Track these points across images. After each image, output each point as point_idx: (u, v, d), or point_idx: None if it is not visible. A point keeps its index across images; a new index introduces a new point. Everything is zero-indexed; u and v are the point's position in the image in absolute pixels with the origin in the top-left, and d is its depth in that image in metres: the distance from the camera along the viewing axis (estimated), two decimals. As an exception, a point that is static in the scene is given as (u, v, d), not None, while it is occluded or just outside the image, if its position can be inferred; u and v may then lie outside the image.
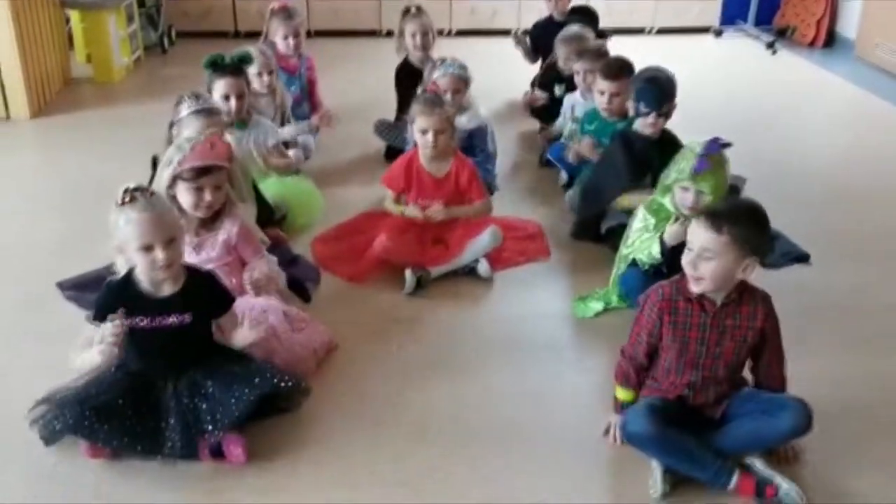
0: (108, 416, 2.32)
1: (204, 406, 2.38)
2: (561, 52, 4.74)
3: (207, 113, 3.28)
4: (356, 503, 2.31)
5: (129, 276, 2.43)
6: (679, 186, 2.89)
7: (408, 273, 3.33)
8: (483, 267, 3.43)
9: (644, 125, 3.47)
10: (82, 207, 4.01)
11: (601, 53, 4.34)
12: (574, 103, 4.42)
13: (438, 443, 2.53)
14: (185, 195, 2.79)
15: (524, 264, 3.55)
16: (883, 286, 3.45)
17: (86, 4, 5.79)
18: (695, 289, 2.27)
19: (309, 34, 5.83)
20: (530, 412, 2.67)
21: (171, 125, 3.30)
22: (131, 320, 2.37)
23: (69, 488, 2.33)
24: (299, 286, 3.23)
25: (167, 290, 2.43)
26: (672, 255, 2.79)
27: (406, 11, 4.73)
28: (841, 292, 3.38)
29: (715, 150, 2.86)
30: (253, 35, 5.58)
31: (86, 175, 4.43)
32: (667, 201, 2.98)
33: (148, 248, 2.34)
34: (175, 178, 2.77)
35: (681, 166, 2.90)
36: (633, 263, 3.07)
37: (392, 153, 4.62)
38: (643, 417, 2.29)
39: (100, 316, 2.37)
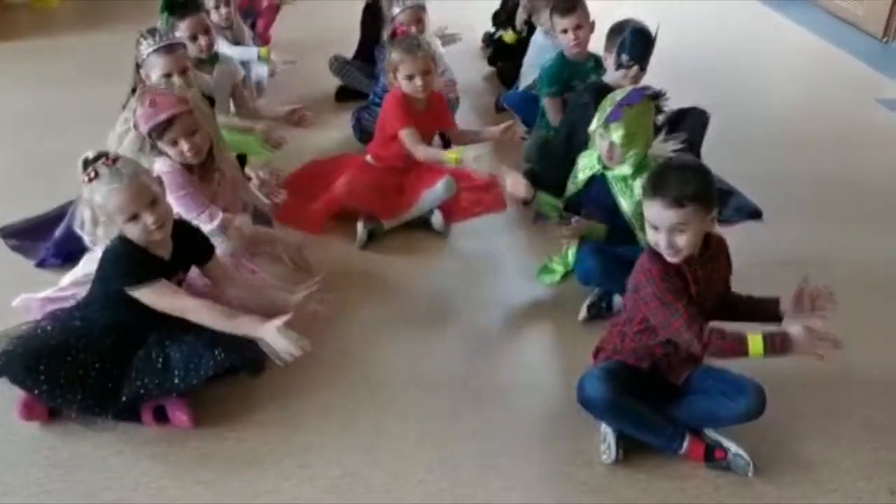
0: (64, 365, 2.24)
1: (177, 356, 2.30)
2: None
3: (169, 49, 3.13)
4: (307, 466, 2.27)
5: (130, 241, 2.32)
6: (597, 133, 2.83)
7: (359, 226, 3.26)
8: (437, 219, 3.37)
9: (623, 78, 3.28)
10: (20, 145, 3.84)
11: None
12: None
13: (390, 405, 2.50)
14: (166, 150, 2.70)
15: (480, 216, 3.47)
16: (836, 240, 3.44)
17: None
18: (675, 259, 2.22)
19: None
20: (484, 374, 2.65)
21: (137, 66, 3.14)
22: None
23: (6, 451, 2.26)
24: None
25: (168, 248, 2.38)
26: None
27: None
28: (794, 248, 3.36)
29: (635, 100, 2.73)
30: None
31: (22, 110, 4.23)
32: (596, 150, 2.90)
33: (134, 217, 2.27)
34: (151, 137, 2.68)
35: (602, 112, 2.79)
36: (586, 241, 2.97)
37: (343, 94, 4.50)
38: (600, 382, 2.27)
39: (138, 282, 2.28)
